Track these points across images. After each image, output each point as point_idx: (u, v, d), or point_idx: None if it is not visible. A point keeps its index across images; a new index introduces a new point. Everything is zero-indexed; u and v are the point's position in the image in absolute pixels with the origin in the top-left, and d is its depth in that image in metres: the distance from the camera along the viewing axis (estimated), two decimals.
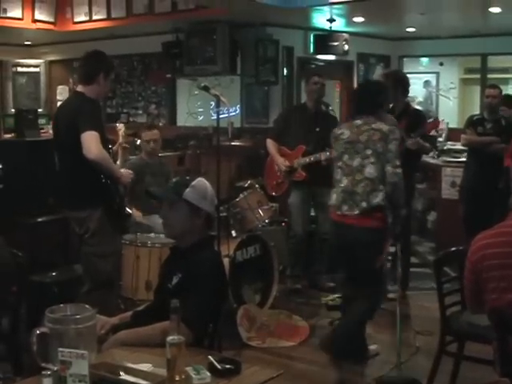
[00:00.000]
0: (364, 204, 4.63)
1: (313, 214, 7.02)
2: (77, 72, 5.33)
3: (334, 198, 4.82)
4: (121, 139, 5.88)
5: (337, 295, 6.47)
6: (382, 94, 4.96)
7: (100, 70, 4.76)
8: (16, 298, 4.00)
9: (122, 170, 4.94)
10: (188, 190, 3.24)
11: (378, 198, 4.61)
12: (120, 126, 6.01)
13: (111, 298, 4.78)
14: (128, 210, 5.07)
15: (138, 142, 6.48)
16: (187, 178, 3.40)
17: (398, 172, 4.60)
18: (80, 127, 4.47)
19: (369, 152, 4.64)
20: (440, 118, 9.60)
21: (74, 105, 4.72)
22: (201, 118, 9.12)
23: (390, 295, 6.40)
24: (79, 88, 4.82)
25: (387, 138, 4.61)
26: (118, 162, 5.33)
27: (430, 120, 7.44)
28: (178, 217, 3.26)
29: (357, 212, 4.65)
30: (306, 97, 7.01)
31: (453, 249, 4.30)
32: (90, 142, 4.45)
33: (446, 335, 4.20)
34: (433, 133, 7.61)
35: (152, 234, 5.75)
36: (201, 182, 3.33)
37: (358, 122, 4.76)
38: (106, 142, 4.69)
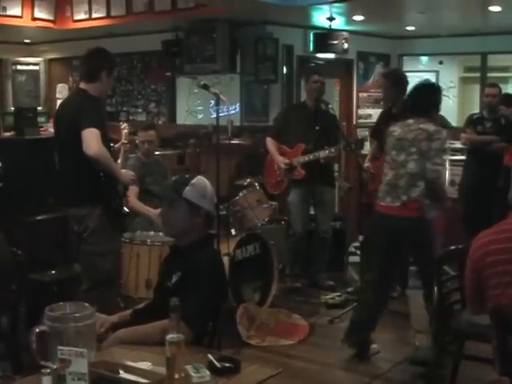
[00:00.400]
0: (404, 197, 4.83)
1: (312, 212, 7.02)
2: (79, 69, 5.26)
3: (380, 189, 5.07)
4: (124, 138, 5.89)
5: (336, 294, 6.48)
6: (435, 96, 5.14)
7: (102, 68, 4.72)
8: (15, 297, 4.00)
9: (123, 171, 4.94)
10: (187, 188, 3.24)
11: (416, 193, 4.80)
12: (124, 126, 6.02)
13: (110, 296, 4.76)
14: (125, 209, 5.06)
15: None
16: (187, 176, 3.39)
17: (437, 169, 4.80)
18: (81, 124, 4.45)
19: (413, 150, 4.84)
20: None
21: (76, 103, 4.70)
22: (200, 117, 9.10)
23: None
24: (82, 85, 4.78)
25: (431, 137, 4.79)
26: (118, 161, 5.33)
27: None
28: (178, 215, 3.25)
29: (398, 204, 4.86)
30: (306, 95, 7.01)
31: (452, 247, 4.31)
32: (91, 139, 4.42)
33: (446, 334, 4.20)
34: None
35: (151, 232, 5.74)
36: (200, 180, 3.32)
37: (410, 121, 4.97)
38: (107, 141, 4.67)
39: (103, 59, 4.80)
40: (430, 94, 5.14)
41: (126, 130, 6.05)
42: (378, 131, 6.52)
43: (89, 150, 4.41)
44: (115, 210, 4.75)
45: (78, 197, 4.67)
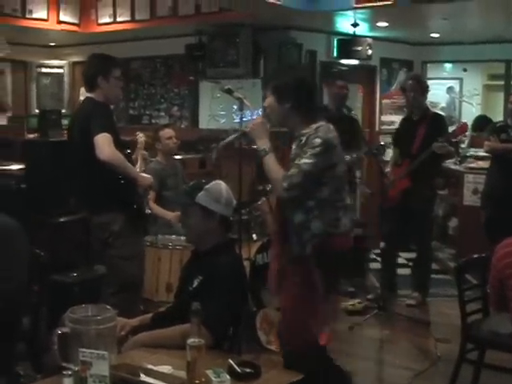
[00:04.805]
0: None
1: None
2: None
3: None
4: (139, 145, 5.89)
5: (357, 300, 6.45)
6: None
7: (96, 75, 4.63)
8: (37, 298, 4.02)
9: (142, 175, 4.91)
10: (201, 193, 3.25)
11: None
12: (140, 135, 6.01)
13: (136, 299, 4.76)
14: (148, 210, 5.04)
15: (160, 146, 6.41)
16: (203, 181, 3.39)
17: None
18: (92, 131, 4.41)
19: None
20: None
21: (85, 111, 4.65)
22: (223, 121, 9.12)
23: (410, 301, 6.39)
24: (88, 93, 4.76)
25: None
26: (137, 166, 5.32)
27: (457, 125, 7.42)
28: (192, 220, 3.28)
29: None
30: (329, 100, 6.98)
31: (475, 256, 4.26)
32: (103, 144, 4.38)
33: (467, 343, 4.17)
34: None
35: (173, 236, 5.75)
36: (216, 184, 3.32)
37: None
38: (121, 145, 4.65)
39: (95, 66, 4.71)
40: None
41: (142, 139, 6.06)
42: (400, 138, 6.56)
43: (101, 155, 4.36)
44: (138, 213, 4.74)
45: (100, 204, 4.63)
